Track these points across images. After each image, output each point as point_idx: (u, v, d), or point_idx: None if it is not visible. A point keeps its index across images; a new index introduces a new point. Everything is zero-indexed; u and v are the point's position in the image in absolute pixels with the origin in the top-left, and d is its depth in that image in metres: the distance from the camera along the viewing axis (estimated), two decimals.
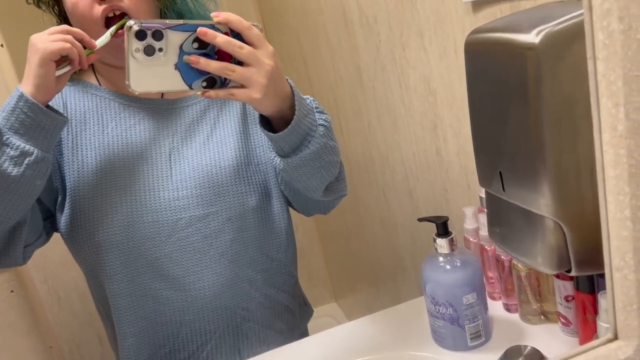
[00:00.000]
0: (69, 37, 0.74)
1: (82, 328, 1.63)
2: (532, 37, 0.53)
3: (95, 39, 0.77)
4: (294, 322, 1.03)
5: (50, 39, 0.73)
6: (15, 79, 1.21)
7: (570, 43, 0.52)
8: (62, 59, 0.74)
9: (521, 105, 0.58)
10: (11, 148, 0.74)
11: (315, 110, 0.82)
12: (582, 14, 0.43)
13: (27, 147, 0.75)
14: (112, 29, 0.79)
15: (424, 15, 0.96)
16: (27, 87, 0.74)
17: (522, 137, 0.59)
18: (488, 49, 0.61)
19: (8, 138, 0.74)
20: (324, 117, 0.83)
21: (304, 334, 1.07)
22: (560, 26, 0.53)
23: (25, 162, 0.75)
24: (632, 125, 0.42)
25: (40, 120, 0.75)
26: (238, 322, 0.94)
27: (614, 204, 0.45)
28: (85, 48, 0.76)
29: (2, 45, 1.22)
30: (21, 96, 0.74)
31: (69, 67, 0.75)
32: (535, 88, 0.55)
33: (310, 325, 1.10)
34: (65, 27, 0.75)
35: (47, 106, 0.76)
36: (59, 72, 0.74)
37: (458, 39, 0.89)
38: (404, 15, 1.03)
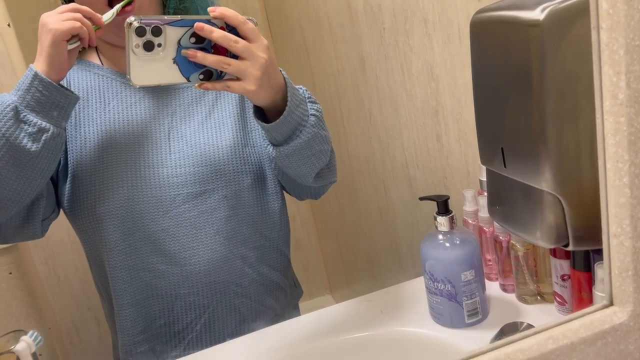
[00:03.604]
0: (79, 15, 0.77)
1: (80, 310, 1.64)
2: (537, 14, 0.55)
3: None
4: (284, 299, 1.06)
5: (61, 18, 0.75)
6: (22, 58, 1.22)
7: (574, 20, 0.54)
8: (73, 35, 0.77)
9: (524, 82, 0.59)
10: (29, 125, 0.77)
11: (307, 101, 0.86)
12: None
13: (44, 123, 0.78)
14: (118, 6, 0.82)
15: (428, 1, 0.98)
16: (40, 66, 0.77)
17: (525, 114, 0.61)
18: (493, 27, 0.63)
19: (25, 115, 0.77)
20: (315, 107, 0.86)
21: (295, 310, 1.11)
22: (565, 3, 0.54)
23: (43, 138, 0.78)
24: (633, 94, 0.44)
25: (54, 97, 0.78)
26: (231, 297, 0.96)
27: (613, 172, 0.47)
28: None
29: (8, 25, 1.23)
30: (35, 75, 0.76)
31: (78, 43, 0.78)
32: (539, 65, 0.57)
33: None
34: (74, 5, 0.78)
35: (59, 84, 0.79)
36: (69, 47, 0.77)
37: (462, 24, 0.90)
38: (408, 3, 1.05)
